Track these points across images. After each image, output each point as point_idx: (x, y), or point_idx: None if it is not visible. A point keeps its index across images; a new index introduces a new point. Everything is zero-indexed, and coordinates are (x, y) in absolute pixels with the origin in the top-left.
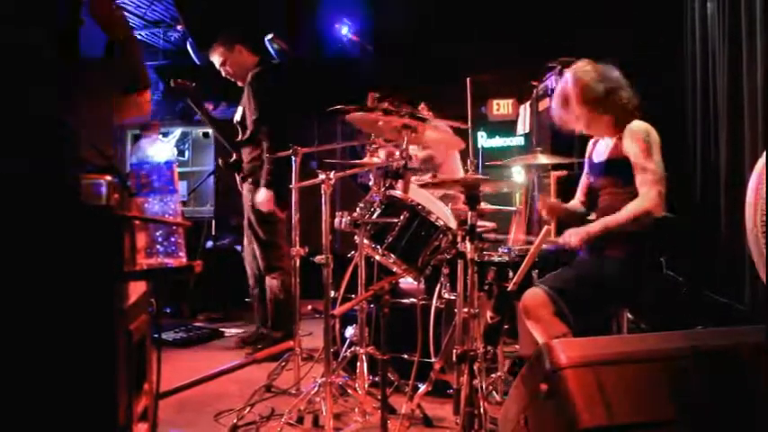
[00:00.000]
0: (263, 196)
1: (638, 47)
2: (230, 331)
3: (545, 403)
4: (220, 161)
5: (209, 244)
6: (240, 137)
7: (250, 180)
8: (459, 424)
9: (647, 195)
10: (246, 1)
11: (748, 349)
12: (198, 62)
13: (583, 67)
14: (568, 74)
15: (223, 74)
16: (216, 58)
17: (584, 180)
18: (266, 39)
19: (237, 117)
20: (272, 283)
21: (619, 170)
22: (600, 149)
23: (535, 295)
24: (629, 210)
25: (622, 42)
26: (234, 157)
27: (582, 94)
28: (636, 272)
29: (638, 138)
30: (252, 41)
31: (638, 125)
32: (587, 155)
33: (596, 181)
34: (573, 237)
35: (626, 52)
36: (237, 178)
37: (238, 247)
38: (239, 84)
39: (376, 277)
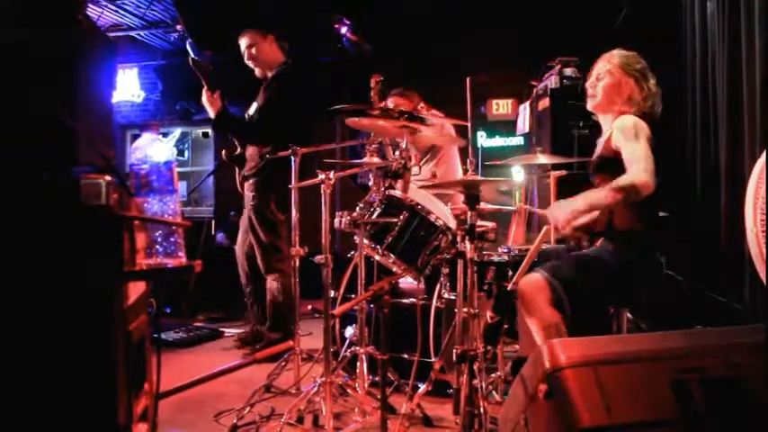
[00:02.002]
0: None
1: (637, 46)
2: (230, 331)
3: (545, 403)
4: (223, 152)
5: (220, 237)
6: None
7: (252, 180)
8: (459, 424)
9: (632, 171)
10: (246, 1)
11: (747, 349)
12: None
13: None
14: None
15: (246, 57)
16: (245, 40)
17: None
18: None
19: (250, 111)
20: (271, 285)
21: (612, 166)
22: (597, 147)
23: (534, 280)
24: (615, 183)
25: (621, 41)
26: (238, 150)
27: (624, 58)
28: (636, 271)
29: (626, 128)
30: (286, 43)
31: (624, 119)
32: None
33: (593, 178)
34: (559, 219)
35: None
36: (237, 174)
37: None
38: (257, 73)
39: (376, 277)
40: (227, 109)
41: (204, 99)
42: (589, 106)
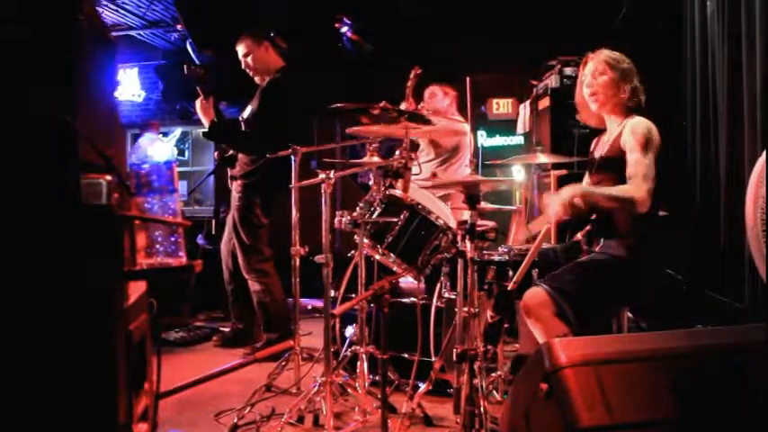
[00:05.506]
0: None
1: (637, 46)
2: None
3: (545, 403)
4: (216, 155)
5: (200, 239)
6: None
7: (239, 181)
8: (459, 423)
9: (635, 185)
10: (247, 1)
11: (748, 348)
12: (197, 62)
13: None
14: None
15: (243, 65)
16: (241, 48)
17: (585, 179)
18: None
19: (245, 114)
20: (254, 286)
21: (616, 165)
22: (601, 145)
23: (536, 295)
24: (616, 189)
25: (621, 41)
26: (231, 151)
27: (615, 60)
28: (637, 271)
29: (639, 133)
30: (285, 43)
31: (640, 121)
32: (590, 152)
33: (594, 176)
34: (557, 204)
35: (625, 51)
36: (229, 175)
37: None
38: (256, 79)
39: (376, 276)
40: (221, 118)
41: (198, 107)
42: (594, 108)
